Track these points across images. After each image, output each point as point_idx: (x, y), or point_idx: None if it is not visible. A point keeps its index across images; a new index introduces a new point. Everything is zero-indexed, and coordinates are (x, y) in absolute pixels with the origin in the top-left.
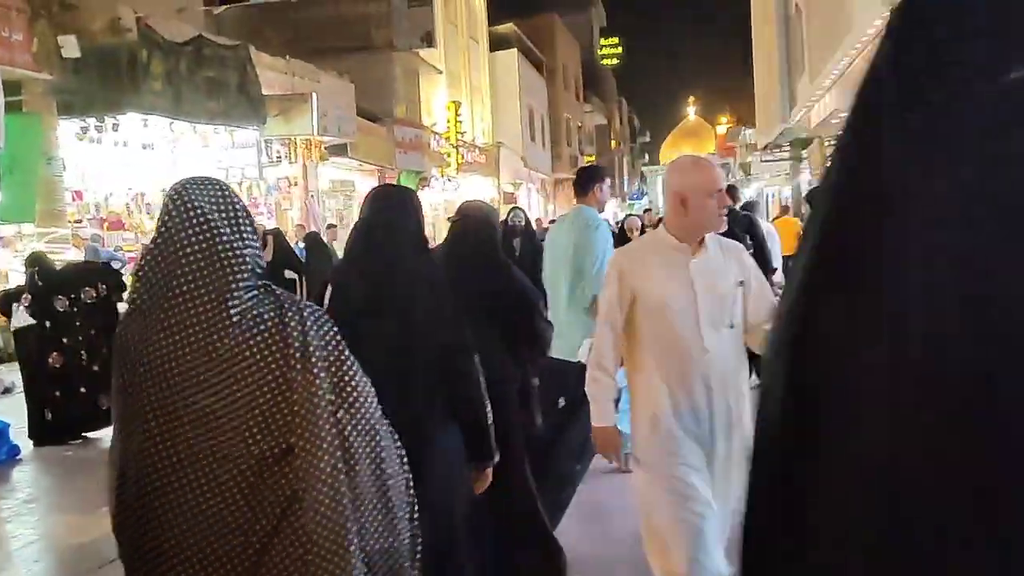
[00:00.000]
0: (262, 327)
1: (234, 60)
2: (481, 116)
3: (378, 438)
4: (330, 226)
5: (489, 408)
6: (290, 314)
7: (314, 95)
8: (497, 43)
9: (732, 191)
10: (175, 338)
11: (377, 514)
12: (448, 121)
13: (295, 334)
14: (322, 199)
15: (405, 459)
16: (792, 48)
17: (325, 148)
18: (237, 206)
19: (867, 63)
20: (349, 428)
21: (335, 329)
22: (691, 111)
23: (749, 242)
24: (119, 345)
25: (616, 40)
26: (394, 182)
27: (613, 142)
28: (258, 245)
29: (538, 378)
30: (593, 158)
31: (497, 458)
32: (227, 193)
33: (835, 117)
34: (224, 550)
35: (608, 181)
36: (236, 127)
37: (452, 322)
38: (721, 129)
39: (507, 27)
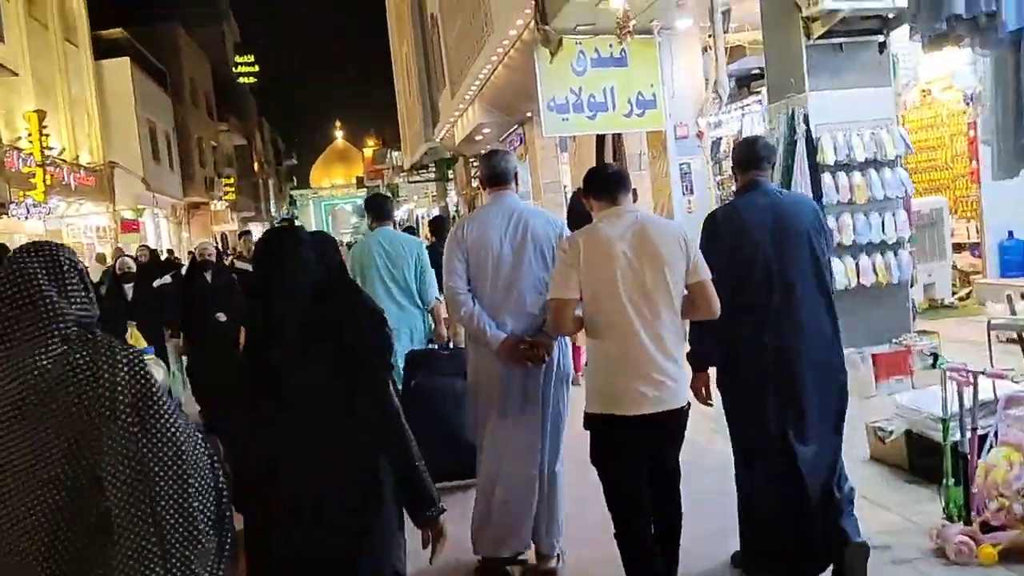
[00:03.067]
0: (75, 370)
1: None
2: (88, 132)
3: (180, 460)
4: None
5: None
6: (103, 359)
7: None
8: (106, 51)
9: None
10: None
11: (179, 530)
12: (29, 134)
13: (105, 376)
14: None
15: (219, 472)
16: (431, 62)
17: None
18: (65, 267)
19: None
20: (149, 455)
21: (145, 369)
22: (339, 135)
23: None
24: None
25: (252, 57)
26: None
27: (256, 164)
28: (86, 299)
29: None
30: (233, 180)
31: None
32: (57, 255)
33: (479, 133)
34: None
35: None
36: None
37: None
38: (368, 152)
39: (116, 32)
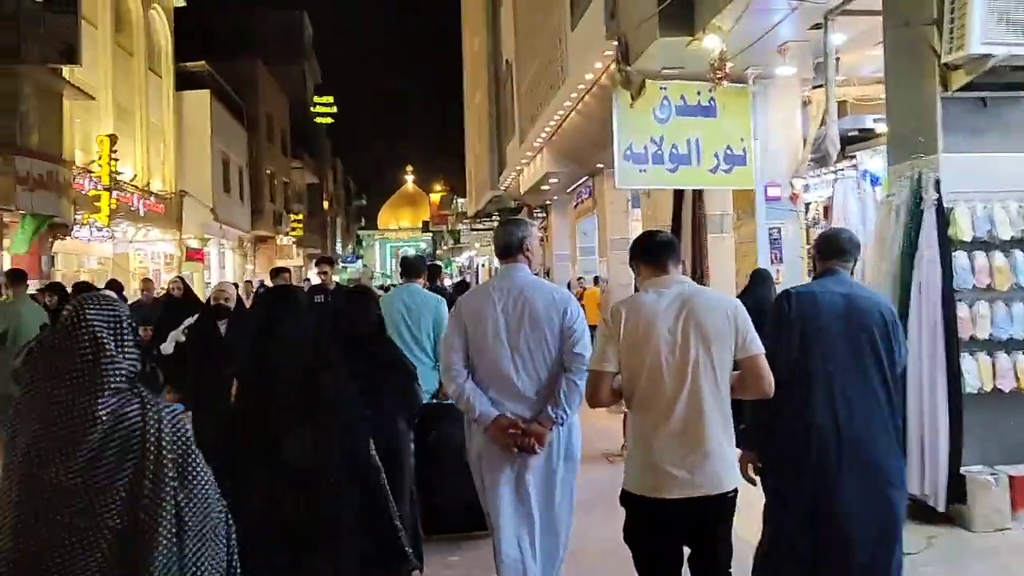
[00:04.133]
0: (126, 423)
1: None
2: (162, 160)
3: (208, 516)
4: None
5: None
6: (151, 414)
7: None
8: (187, 82)
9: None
10: (47, 428)
11: (200, 569)
12: (100, 157)
13: (152, 430)
14: None
15: (231, 528)
16: (502, 109)
17: None
18: (123, 323)
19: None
20: (185, 508)
21: (186, 427)
22: (409, 179)
23: None
24: (13, 415)
25: (331, 99)
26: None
27: (326, 202)
28: (136, 354)
29: None
30: (302, 217)
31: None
32: (118, 312)
33: (546, 182)
34: None
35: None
36: None
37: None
38: (435, 197)
39: (199, 64)
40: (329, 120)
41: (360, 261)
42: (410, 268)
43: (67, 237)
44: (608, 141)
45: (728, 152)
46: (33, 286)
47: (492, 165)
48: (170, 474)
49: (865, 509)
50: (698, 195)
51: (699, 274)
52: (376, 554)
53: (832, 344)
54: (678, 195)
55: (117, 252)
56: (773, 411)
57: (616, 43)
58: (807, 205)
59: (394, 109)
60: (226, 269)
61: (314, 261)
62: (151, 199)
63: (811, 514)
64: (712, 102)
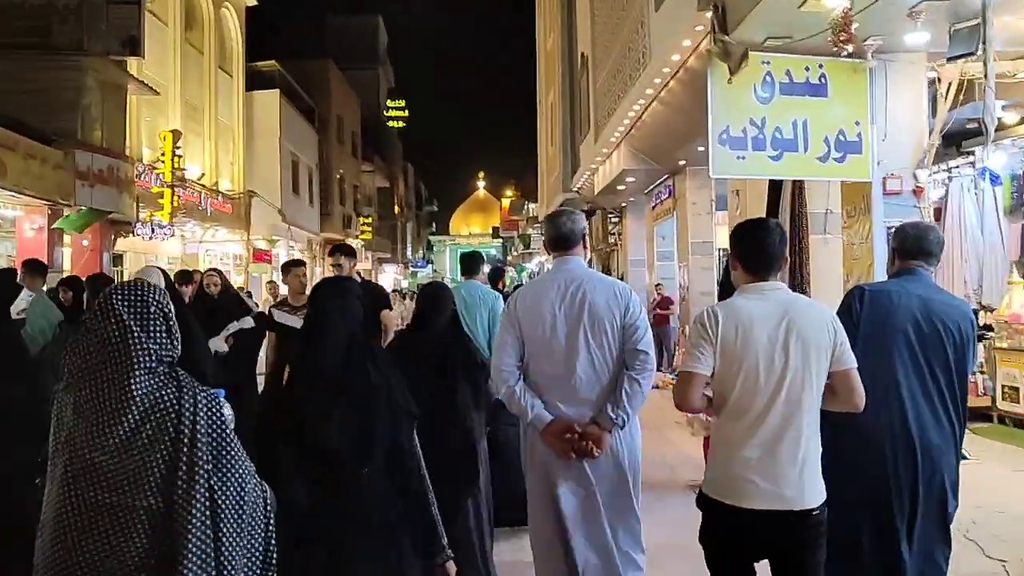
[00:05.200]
0: (161, 406)
1: None
2: (231, 160)
3: (244, 502)
4: None
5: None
6: (187, 397)
7: None
8: (258, 82)
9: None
10: (84, 415)
11: (233, 561)
12: (163, 153)
13: (187, 414)
14: None
15: (271, 514)
16: (577, 106)
17: None
18: (151, 308)
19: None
20: (219, 493)
21: (221, 410)
22: (481, 185)
23: None
24: (54, 412)
25: (403, 103)
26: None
27: (396, 206)
28: (169, 340)
29: None
30: (371, 220)
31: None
32: (145, 298)
33: (622, 181)
34: None
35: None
36: None
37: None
38: (506, 202)
39: (270, 64)
40: (401, 124)
41: (431, 266)
42: (467, 266)
43: (129, 235)
44: (693, 133)
45: (840, 138)
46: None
47: (564, 166)
48: (204, 458)
49: (927, 526)
50: (798, 190)
51: (799, 280)
52: (414, 542)
53: (903, 349)
54: (774, 191)
55: (188, 253)
56: (831, 420)
57: (711, 10)
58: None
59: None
60: None
61: (328, 251)
62: (218, 198)
63: (871, 522)
64: (823, 79)
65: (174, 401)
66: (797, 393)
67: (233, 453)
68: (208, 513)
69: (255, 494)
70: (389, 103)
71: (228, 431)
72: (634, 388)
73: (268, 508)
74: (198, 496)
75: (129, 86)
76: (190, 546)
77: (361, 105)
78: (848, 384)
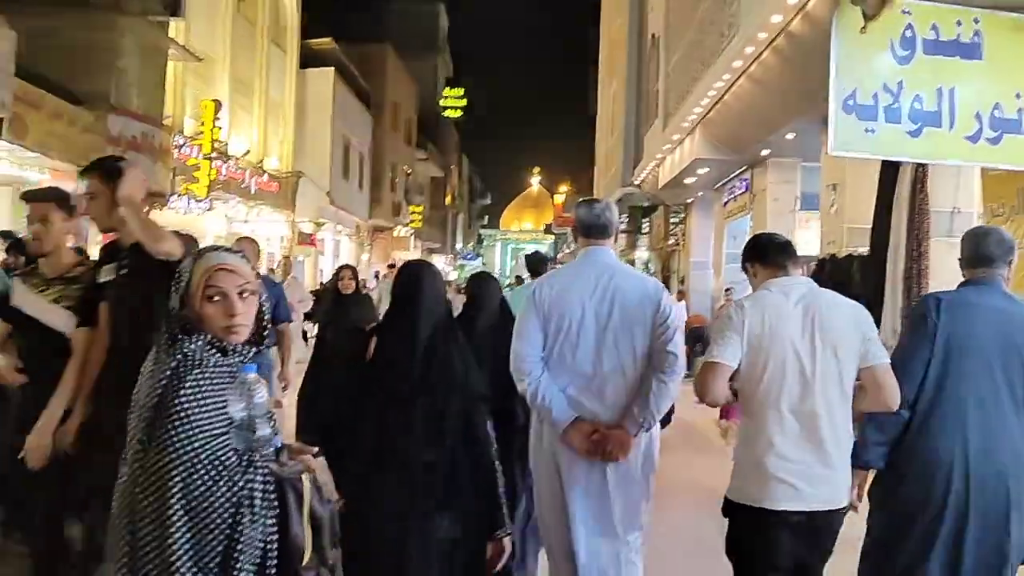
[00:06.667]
0: (156, 375)
1: None
2: (280, 138)
3: (166, 491)
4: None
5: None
6: (162, 360)
7: None
8: (312, 60)
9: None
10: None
11: (151, 558)
12: (203, 123)
13: (160, 380)
14: None
15: (271, 526)
16: (643, 93)
17: None
18: (181, 276)
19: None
20: (139, 472)
21: (171, 379)
22: (535, 180)
23: None
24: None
25: (461, 92)
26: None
27: (448, 197)
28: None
29: None
30: (422, 209)
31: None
32: (179, 268)
33: (691, 173)
34: None
35: None
36: None
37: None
38: (559, 199)
39: (326, 42)
40: (458, 114)
41: (480, 259)
42: (534, 266)
43: (164, 208)
44: (784, 118)
45: (996, 113)
46: None
47: (626, 158)
48: (139, 436)
49: (980, 563)
50: (920, 182)
51: (916, 293)
52: (480, 519)
53: (980, 364)
54: (886, 178)
55: (233, 231)
56: (889, 435)
57: None
58: None
59: (524, 108)
60: (340, 257)
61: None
62: (264, 177)
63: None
64: (977, 36)
65: (167, 372)
66: (826, 389)
67: (167, 433)
68: (127, 495)
69: (209, 488)
70: (447, 92)
71: (171, 405)
72: (661, 390)
73: (269, 515)
74: (131, 474)
75: (171, 51)
76: (114, 524)
77: (418, 92)
78: (878, 381)
